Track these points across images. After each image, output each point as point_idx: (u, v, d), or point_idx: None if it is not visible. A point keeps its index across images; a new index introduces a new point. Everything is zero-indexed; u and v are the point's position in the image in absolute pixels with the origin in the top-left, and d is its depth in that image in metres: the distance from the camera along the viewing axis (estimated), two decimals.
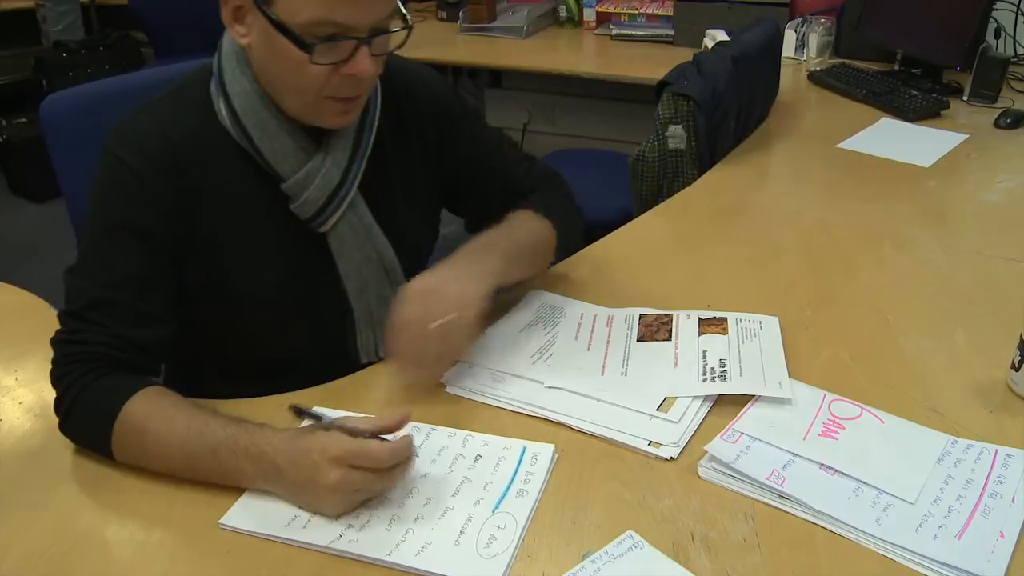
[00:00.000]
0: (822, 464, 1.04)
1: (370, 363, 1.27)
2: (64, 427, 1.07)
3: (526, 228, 1.31)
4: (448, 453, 1.06)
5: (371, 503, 0.98)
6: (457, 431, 1.10)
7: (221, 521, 0.98)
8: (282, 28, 1.03)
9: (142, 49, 4.46)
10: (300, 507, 0.98)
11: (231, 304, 1.19)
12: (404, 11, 1.11)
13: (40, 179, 3.90)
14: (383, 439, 0.98)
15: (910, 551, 0.92)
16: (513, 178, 1.38)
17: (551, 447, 1.07)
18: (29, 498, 1.04)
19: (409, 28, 1.12)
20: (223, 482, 1.01)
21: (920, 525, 0.95)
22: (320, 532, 0.95)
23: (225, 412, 1.06)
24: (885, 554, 0.93)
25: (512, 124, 3.87)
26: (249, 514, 0.99)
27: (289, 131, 1.13)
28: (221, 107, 1.13)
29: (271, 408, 1.13)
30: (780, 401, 1.14)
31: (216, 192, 1.14)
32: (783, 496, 0.99)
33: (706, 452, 1.05)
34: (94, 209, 1.11)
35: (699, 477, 1.03)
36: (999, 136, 2.22)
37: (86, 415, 1.05)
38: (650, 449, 1.07)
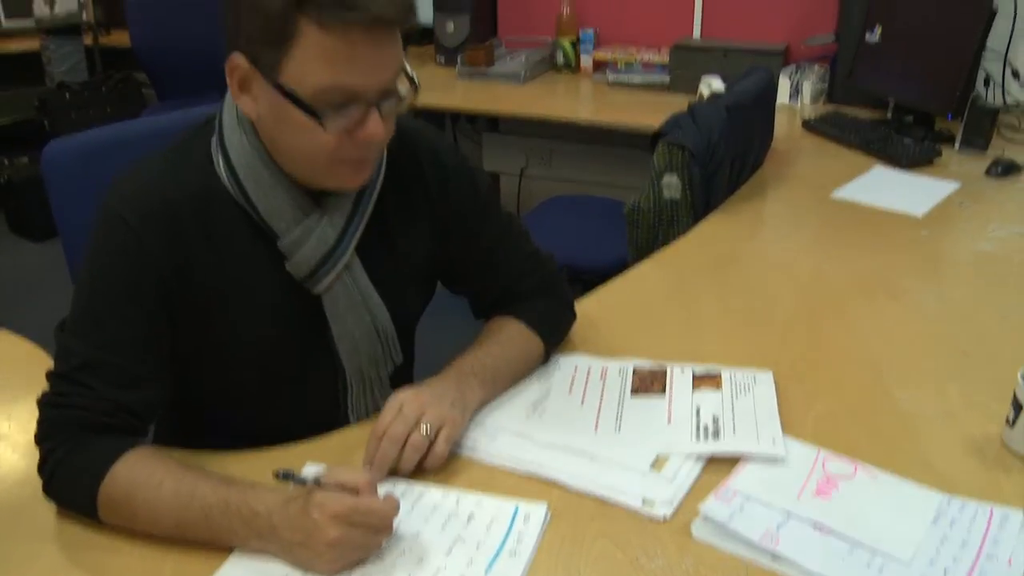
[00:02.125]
0: (816, 523, 1.03)
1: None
2: (48, 490, 1.07)
3: (516, 347, 1.31)
4: (441, 512, 1.06)
5: (364, 562, 0.98)
6: (450, 491, 1.09)
7: None
8: (292, 98, 1.03)
9: (144, 90, 4.50)
10: (295, 566, 0.97)
11: (223, 361, 1.19)
12: (410, 71, 1.12)
13: (40, 219, 3.93)
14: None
15: None
16: (513, 277, 1.36)
17: (544, 506, 1.06)
18: (18, 551, 1.03)
19: (416, 88, 1.13)
20: (215, 543, 1.00)
21: None
22: None
23: (214, 471, 1.06)
24: None
25: (509, 169, 3.91)
26: (241, 572, 0.98)
27: (286, 189, 1.14)
28: (220, 163, 1.13)
29: (262, 463, 1.13)
30: (775, 458, 1.14)
31: (213, 250, 1.14)
32: (777, 557, 0.99)
33: (700, 511, 1.04)
34: (90, 266, 1.11)
35: (693, 537, 1.03)
36: (991, 184, 2.24)
37: (70, 480, 1.05)
38: (643, 508, 1.06)
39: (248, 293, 1.17)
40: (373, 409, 1.25)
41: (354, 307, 1.21)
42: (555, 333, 1.38)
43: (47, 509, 1.08)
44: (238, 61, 1.05)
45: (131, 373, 1.09)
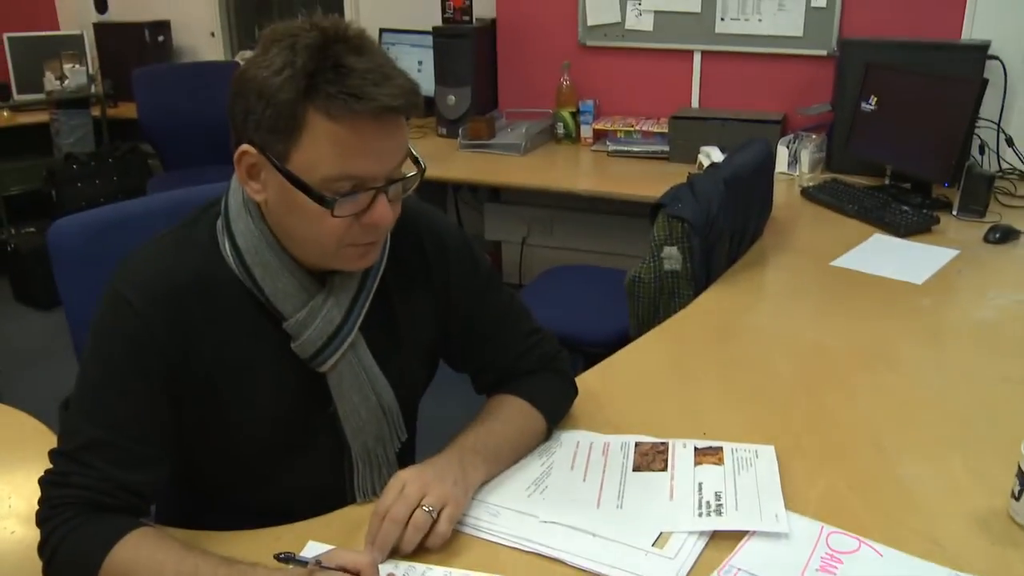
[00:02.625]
0: None
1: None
2: (48, 572, 1.06)
3: (518, 424, 1.31)
4: None
5: None
6: (452, 571, 1.09)
7: None
8: (301, 185, 1.05)
9: (149, 161, 4.56)
10: None
11: (227, 440, 1.20)
12: (416, 154, 1.14)
13: (45, 288, 3.94)
14: None
15: None
16: (512, 356, 1.37)
17: None
18: None
19: (423, 171, 1.15)
20: None
21: None
22: None
23: (215, 551, 1.06)
24: None
25: (511, 238, 3.94)
26: None
27: (292, 271, 1.15)
28: (226, 246, 1.15)
29: (264, 543, 1.13)
30: (778, 534, 1.13)
31: (218, 332, 1.15)
32: None
33: None
34: (95, 346, 1.13)
35: None
36: (989, 251, 2.26)
37: (71, 561, 1.04)
38: None
39: (253, 373, 1.18)
40: (379, 487, 1.25)
41: (359, 385, 1.22)
42: (557, 409, 1.38)
43: None
44: (247, 149, 1.08)
45: (134, 454, 1.09)
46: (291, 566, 1.02)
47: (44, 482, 1.09)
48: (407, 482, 1.12)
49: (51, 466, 1.10)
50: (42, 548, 1.06)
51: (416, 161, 1.15)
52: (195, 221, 1.19)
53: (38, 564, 1.07)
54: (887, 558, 1.10)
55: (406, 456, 1.34)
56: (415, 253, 1.28)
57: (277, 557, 1.03)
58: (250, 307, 1.16)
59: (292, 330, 1.16)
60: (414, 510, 1.09)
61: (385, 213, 1.09)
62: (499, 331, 1.36)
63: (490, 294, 1.36)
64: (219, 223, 1.17)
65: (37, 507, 1.08)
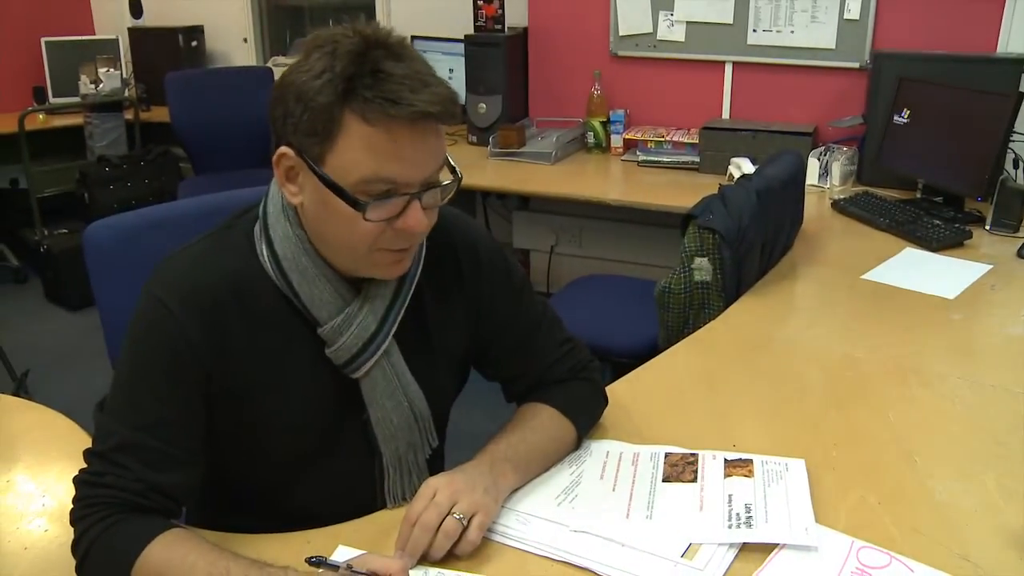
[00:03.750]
0: None
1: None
2: (81, 570, 1.07)
3: (548, 433, 1.31)
4: None
5: None
6: None
7: None
8: (335, 187, 1.06)
9: (180, 164, 4.61)
10: None
11: (259, 443, 1.20)
12: (453, 163, 1.15)
13: (76, 289, 4.00)
14: None
15: None
16: (544, 365, 1.37)
17: None
18: None
19: (459, 180, 1.15)
20: None
21: None
22: None
23: (245, 554, 1.07)
24: None
25: (539, 246, 3.94)
26: None
27: (329, 278, 1.16)
28: (263, 250, 1.16)
29: (294, 546, 1.14)
30: (807, 548, 1.13)
31: (252, 335, 1.16)
32: None
33: None
34: (131, 348, 1.14)
35: None
36: (1023, 266, 2.23)
37: (103, 561, 1.05)
38: None
39: (286, 377, 1.19)
40: (410, 493, 1.25)
41: (392, 392, 1.23)
42: (587, 419, 1.38)
43: None
44: (285, 151, 1.09)
45: (167, 455, 1.10)
46: (322, 570, 1.03)
47: (78, 481, 1.10)
48: (438, 489, 1.12)
49: (85, 465, 1.11)
50: (75, 546, 1.07)
51: (453, 170, 1.15)
52: (231, 226, 1.20)
53: (71, 562, 1.08)
54: (918, 574, 1.09)
55: (436, 463, 1.34)
56: (449, 262, 1.29)
57: (308, 561, 1.04)
58: (286, 312, 1.17)
59: (327, 336, 1.17)
60: (445, 517, 1.10)
61: (419, 219, 1.09)
62: (532, 340, 1.36)
63: (523, 303, 1.36)
64: (256, 227, 1.18)
65: (71, 506, 1.10)
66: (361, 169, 1.04)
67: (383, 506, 1.26)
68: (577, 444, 1.36)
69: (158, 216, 1.56)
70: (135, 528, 1.06)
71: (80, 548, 1.07)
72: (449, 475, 1.16)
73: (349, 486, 1.26)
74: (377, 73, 1.02)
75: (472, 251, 1.31)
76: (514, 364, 1.37)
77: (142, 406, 1.10)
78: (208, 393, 1.14)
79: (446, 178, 1.15)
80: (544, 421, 1.32)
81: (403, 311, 1.22)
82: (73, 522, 1.09)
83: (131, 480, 1.08)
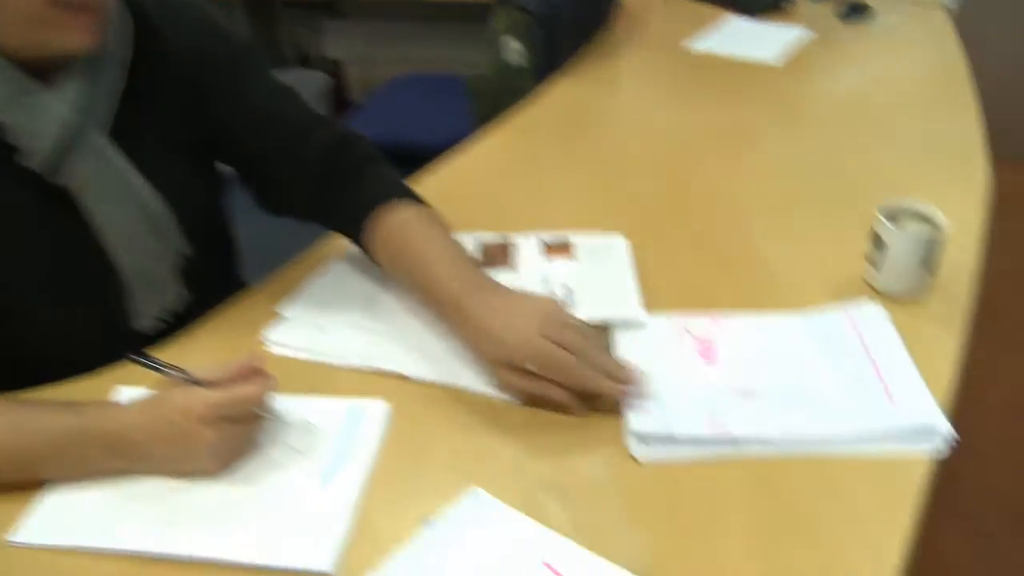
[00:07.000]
0: (739, 390, 0.96)
1: (157, 331, 1.10)
2: None
3: (436, 230, 1.10)
4: (271, 423, 0.93)
5: (186, 494, 0.86)
6: (281, 397, 0.94)
7: (10, 538, 0.83)
8: None
9: None
10: (178, 477, 0.87)
11: None
12: None
13: None
14: None
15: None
16: (298, 133, 1.14)
17: (382, 403, 0.95)
18: None
19: None
20: (58, 476, 0.87)
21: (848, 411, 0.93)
22: (134, 532, 0.82)
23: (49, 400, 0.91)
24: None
25: (351, 56, 3.71)
26: (61, 504, 0.85)
27: (3, 68, 0.92)
28: None
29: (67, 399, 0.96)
30: (637, 325, 1.05)
31: None
32: (736, 441, 0.89)
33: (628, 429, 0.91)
34: None
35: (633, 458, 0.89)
36: (844, 29, 2.18)
37: None
38: (493, 391, 0.96)
39: None
40: (162, 309, 1.10)
41: (115, 195, 1.02)
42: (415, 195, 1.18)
43: None
44: None
45: None
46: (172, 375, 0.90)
47: None
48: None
49: None
50: None
51: None
52: None
53: None
54: (748, 324, 1.06)
55: (220, 279, 1.19)
56: (161, 42, 1.06)
57: (128, 357, 0.92)
58: None
59: (15, 140, 0.94)
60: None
61: None
62: (273, 109, 1.14)
63: (256, 75, 1.15)
64: None
65: None
66: None
67: (133, 330, 1.10)
68: None
69: None
70: None
71: None
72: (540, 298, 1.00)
73: (102, 316, 1.07)
74: None
75: (183, 19, 1.09)
76: (260, 139, 1.14)
77: None
78: None
79: None
80: (425, 220, 1.11)
81: (111, 103, 1.00)
82: None
83: None
